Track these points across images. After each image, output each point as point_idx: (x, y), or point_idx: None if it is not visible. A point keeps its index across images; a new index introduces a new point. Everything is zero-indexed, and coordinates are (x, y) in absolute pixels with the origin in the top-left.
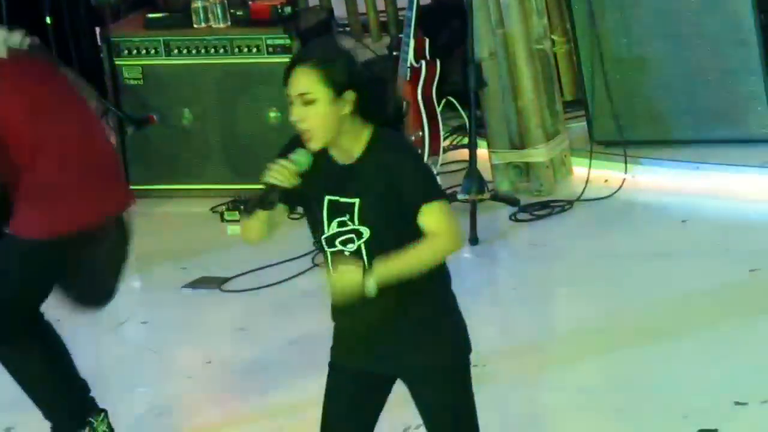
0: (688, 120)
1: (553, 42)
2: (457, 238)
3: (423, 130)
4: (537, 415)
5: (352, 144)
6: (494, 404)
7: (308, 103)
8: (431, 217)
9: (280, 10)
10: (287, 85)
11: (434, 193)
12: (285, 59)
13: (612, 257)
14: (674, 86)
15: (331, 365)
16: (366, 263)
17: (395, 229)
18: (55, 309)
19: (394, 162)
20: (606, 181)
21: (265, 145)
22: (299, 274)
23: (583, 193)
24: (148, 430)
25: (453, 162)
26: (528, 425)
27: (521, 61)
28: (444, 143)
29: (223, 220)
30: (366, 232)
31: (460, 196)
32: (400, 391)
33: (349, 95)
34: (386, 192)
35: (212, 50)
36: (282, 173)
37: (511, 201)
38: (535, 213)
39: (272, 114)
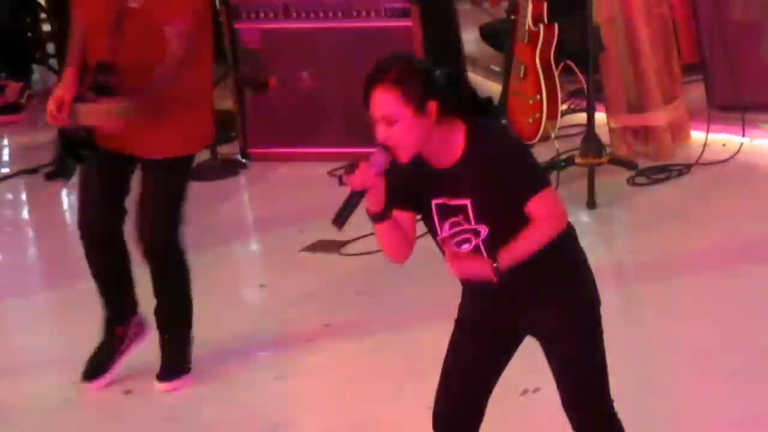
0: None
1: (671, 6)
2: (563, 219)
3: (541, 94)
4: (652, 377)
5: (448, 147)
6: (610, 366)
7: (392, 123)
8: (541, 205)
9: None
10: (367, 105)
11: (540, 182)
12: (403, 23)
13: (730, 221)
14: None
15: (459, 321)
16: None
17: (511, 222)
18: None
19: (496, 157)
20: (724, 145)
21: None
22: (419, 236)
23: (701, 157)
24: (267, 394)
25: (571, 126)
26: (643, 387)
27: (640, 24)
28: (562, 107)
29: (341, 183)
30: (484, 230)
31: (578, 160)
32: (518, 355)
33: (431, 105)
34: (496, 188)
35: (331, 14)
36: (361, 177)
37: (628, 165)
38: (653, 177)
39: None
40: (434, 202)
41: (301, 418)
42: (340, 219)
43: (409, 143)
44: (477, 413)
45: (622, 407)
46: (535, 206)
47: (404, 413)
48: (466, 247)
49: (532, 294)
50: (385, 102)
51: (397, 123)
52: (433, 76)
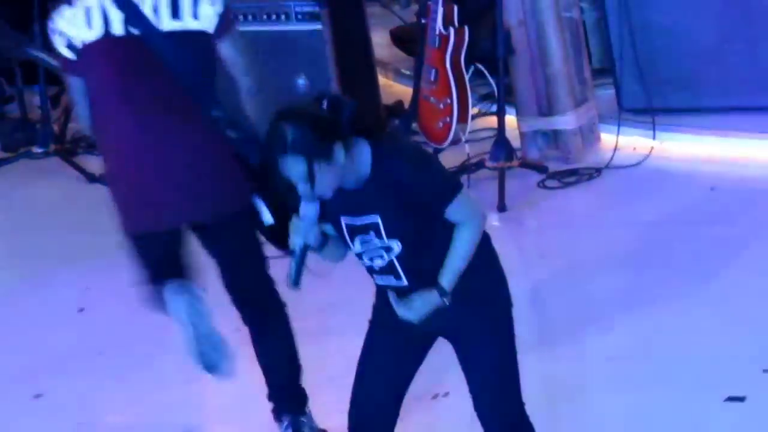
0: (716, 88)
1: (581, 10)
2: (483, 215)
3: (451, 98)
4: (565, 385)
5: (358, 169)
6: (522, 372)
7: (309, 182)
8: (458, 211)
9: None
10: (276, 169)
11: (450, 189)
12: (313, 27)
13: (640, 225)
14: (702, 54)
15: (372, 322)
16: (402, 274)
17: (425, 235)
18: None
19: (401, 174)
20: (634, 148)
21: None
22: None
23: (611, 160)
24: (178, 397)
25: (481, 129)
26: (556, 394)
27: (550, 28)
28: (472, 111)
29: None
30: (396, 246)
31: (488, 164)
32: (429, 359)
33: (337, 149)
34: (404, 204)
35: (243, 17)
36: (299, 235)
37: (539, 168)
38: (563, 180)
39: (300, 81)
40: (343, 220)
41: (211, 422)
42: (297, 280)
43: (331, 187)
44: (391, 415)
45: (530, 409)
46: (453, 213)
47: (319, 417)
48: (378, 263)
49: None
50: (295, 170)
51: (312, 181)
52: (326, 122)
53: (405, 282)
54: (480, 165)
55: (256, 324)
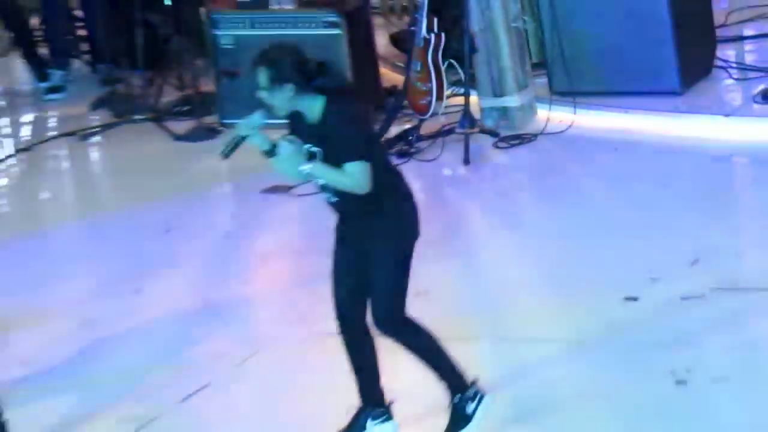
0: (619, 77)
1: (524, 21)
2: (362, 186)
3: (431, 83)
4: (491, 289)
5: (311, 111)
6: (446, 297)
7: (267, 90)
8: (350, 169)
9: None
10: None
11: (354, 154)
12: (334, 32)
13: (563, 174)
14: (610, 53)
15: (335, 237)
16: (332, 193)
17: (333, 159)
18: None
19: (333, 128)
20: (560, 120)
21: None
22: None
23: (544, 128)
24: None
25: (453, 106)
26: (485, 295)
27: (502, 34)
28: (446, 92)
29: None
30: (320, 153)
31: (457, 130)
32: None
33: (290, 85)
34: (331, 145)
35: (282, 24)
36: (243, 127)
37: (493, 133)
38: (511, 142)
39: None
40: (306, 146)
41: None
42: (227, 153)
43: (279, 108)
44: (360, 305)
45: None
46: (347, 168)
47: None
48: (321, 182)
49: (364, 222)
50: (261, 78)
51: (268, 92)
52: (300, 68)
53: (334, 198)
54: (451, 131)
55: None
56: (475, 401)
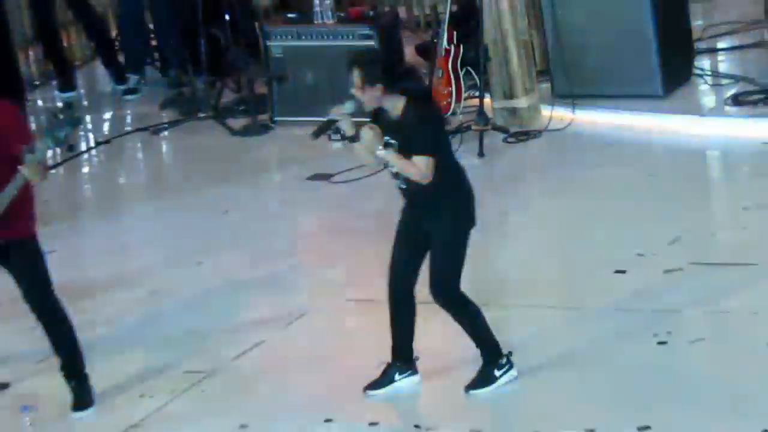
0: (612, 82)
1: (531, 34)
2: (426, 177)
3: (451, 87)
4: (500, 262)
5: (394, 109)
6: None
7: (359, 87)
8: (417, 161)
9: (366, 13)
10: (350, 73)
11: (422, 149)
12: (368, 43)
13: (564, 165)
14: (604, 62)
15: (400, 220)
16: (403, 180)
17: (406, 151)
18: None
19: (409, 125)
20: (561, 119)
21: None
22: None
23: (547, 126)
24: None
25: (469, 106)
26: (495, 267)
27: (511, 45)
28: (464, 95)
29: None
30: (395, 145)
31: (473, 127)
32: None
33: (380, 85)
34: (405, 140)
35: (324, 36)
36: (337, 111)
37: (504, 130)
38: (519, 138)
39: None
40: (385, 137)
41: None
42: (317, 134)
43: (367, 103)
44: (412, 276)
45: None
46: (415, 160)
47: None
48: (394, 170)
49: (427, 207)
50: (354, 76)
51: (360, 89)
52: (390, 71)
53: (404, 185)
54: (468, 128)
55: None
56: (503, 369)
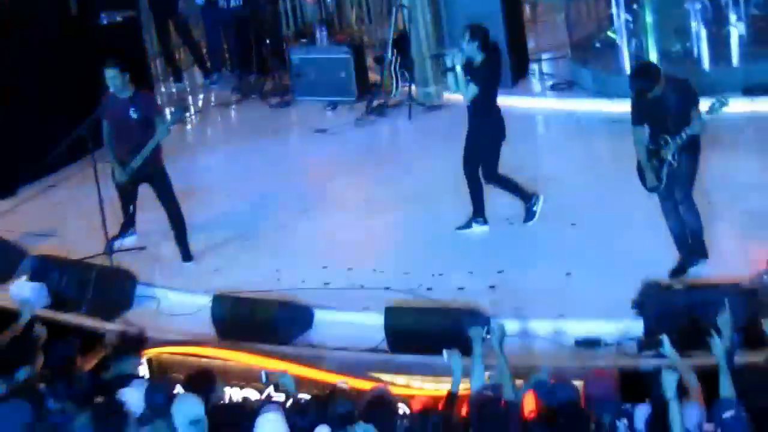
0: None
1: (439, 50)
2: (469, 94)
3: (393, 80)
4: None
5: (475, 57)
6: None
7: (463, 44)
8: (471, 85)
9: (346, 40)
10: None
11: (477, 80)
12: (346, 56)
13: (455, 125)
14: None
15: (468, 127)
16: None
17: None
18: None
19: (478, 67)
20: (454, 98)
21: None
22: None
23: (445, 103)
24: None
25: (403, 91)
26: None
27: (426, 56)
28: (401, 85)
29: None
30: (467, 75)
31: (405, 102)
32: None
33: (480, 48)
34: (471, 71)
35: (321, 51)
36: (448, 59)
37: (421, 104)
38: (431, 109)
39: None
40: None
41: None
42: (436, 56)
43: (465, 51)
44: (474, 163)
45: None
46: (469, 85)
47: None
48: (454, 87)
49: (477, 119)
50: (464, 39)
51: (466, 43)
52: (487, 39)
53: (469, 104)
54: (402, 103)
55: None
56: (536, 204)
